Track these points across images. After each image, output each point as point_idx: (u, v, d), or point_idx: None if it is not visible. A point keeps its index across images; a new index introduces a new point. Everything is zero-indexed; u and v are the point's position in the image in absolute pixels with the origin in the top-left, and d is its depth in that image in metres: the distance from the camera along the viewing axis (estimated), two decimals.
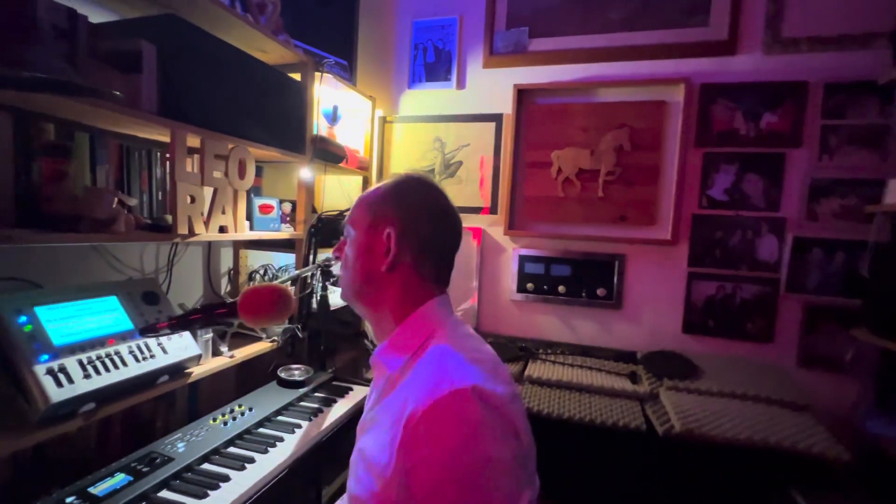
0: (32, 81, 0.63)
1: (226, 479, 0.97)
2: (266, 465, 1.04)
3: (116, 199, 0.96)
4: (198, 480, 0.96)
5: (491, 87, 1.98)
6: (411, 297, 0.68)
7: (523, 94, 1.93)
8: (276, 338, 1.52)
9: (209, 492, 0.92)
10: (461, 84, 2.03)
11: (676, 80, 1.75)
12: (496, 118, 1.97)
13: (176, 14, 1.10)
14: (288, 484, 1.06)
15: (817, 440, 1.23)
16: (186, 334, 1.17)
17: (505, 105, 1.95)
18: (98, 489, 0.88)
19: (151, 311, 1.15)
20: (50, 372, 0.87)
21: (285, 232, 1.57)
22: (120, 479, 0.92)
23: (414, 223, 0.68)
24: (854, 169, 1.62)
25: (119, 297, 1.10)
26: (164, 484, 0.93)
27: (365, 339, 2.16)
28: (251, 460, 1.04)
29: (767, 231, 1.71)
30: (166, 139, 1.22)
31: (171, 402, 1.37)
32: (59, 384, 0.88)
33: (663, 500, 1.30)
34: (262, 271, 1.82)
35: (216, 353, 1.33)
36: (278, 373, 1.48)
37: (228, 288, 1.76)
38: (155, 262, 1.46)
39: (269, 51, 1.47)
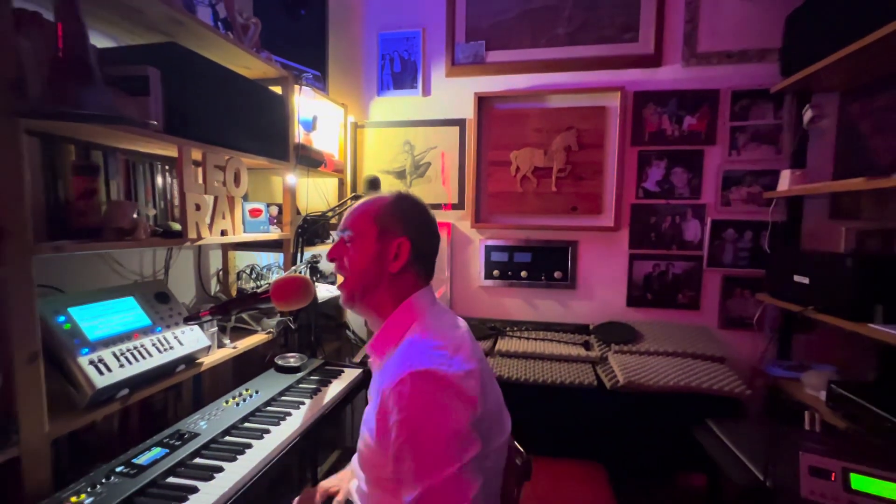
0: (100, 118, 0.77)
1: (249, 446, 1.13)
2: (280, 434, 1.20)
3: (136, 210, 1.09)
4: (225, 448, 1.11)
5: (454, 94, 2.19)
6: (405, 292, 0.85)
7: (483, 101, 2.15)
8: (271, 330, 1.66)
9: (237, 456, 1.08)
10: (427, 92, 2.23)
11: (613, 88, 2.03)
12: (460, 122, 2.18)
13: (176, 42, 1.22)
14: (298, 449, 1.23)
15: (727, 382, 1.54)
16: (196, 329, 1.31)
17: (467, 110, 2.16)
18: (141, 460, 1.02)
19: (164, 308, 1.28)
20: (91, 363, 1.01)
21: (274, 233, 1.71)
22: (157, 451, 1.06)
23: (418, 235, 0.86)
24: (756, 162, 1.96)
25: (136, 297, 1.23)
26: (197, 453, 1.08)
27: (347, 331, 2.33)
28: (267, 431, 1.21)
29: (692, 216, 2.03)
30: (166, 153, 1.36)
31: (178, 391, 1.50)
32: (100, 372, 1.01)
33: (613, 438, 1.58)
34: (248, 270, 1.95)
35: (221, 344, 1.47)
36: (275, 360, 1.63)
37: (218, 288, 1.88)
38: (152, 265, 1.57)
39: (252, 67, 1.60)
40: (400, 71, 2.23)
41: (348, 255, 0.86)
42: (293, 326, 1.72)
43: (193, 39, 1.34)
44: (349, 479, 1.04)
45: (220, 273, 1.88)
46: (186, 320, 1.01)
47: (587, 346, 1.89)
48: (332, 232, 2.20)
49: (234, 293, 1.86)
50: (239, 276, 1.91)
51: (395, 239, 0.84)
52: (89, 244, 0.98)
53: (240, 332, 1.62)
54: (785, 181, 1.82)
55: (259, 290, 0.92)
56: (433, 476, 0.65)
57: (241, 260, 1.96)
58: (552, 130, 2.10)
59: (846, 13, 1.47)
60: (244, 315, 1.68)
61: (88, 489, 0.91)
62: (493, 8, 2.12)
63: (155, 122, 0.95)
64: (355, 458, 0.90)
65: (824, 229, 1.91)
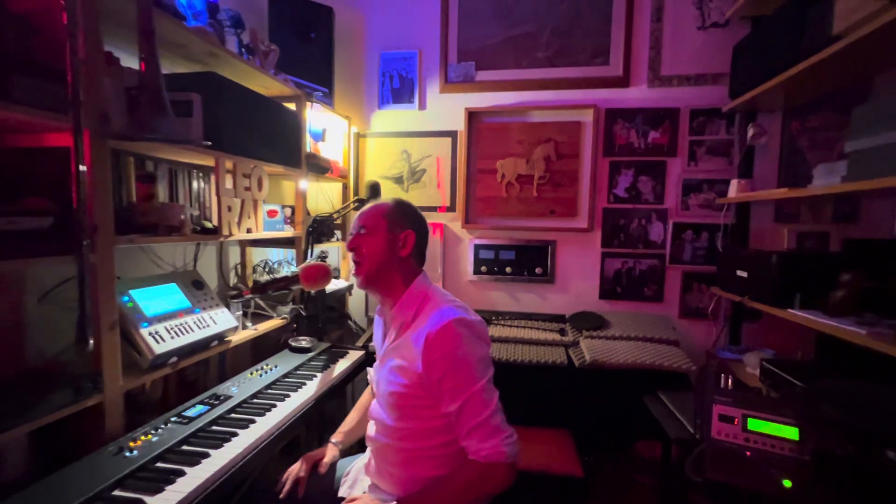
0: (178, 141, 1.02)
1: (274, 406, 1.37)
2: (300, 397, 1.44)
3: (184, 211, 1.33)
4: (256, 406, 1.35)
5: (447, 108, 2.44)
6: (411, 274, 1.13)
7: (473, 115, 2.41)
8: (285, 315, 1.91)
9: (266, 413, 1.33)
10: (423, 106, 2.48)
11: (587, 105, 2.29)
12: (452, 134, 2.44)
13: (214, 71, 1.47)
14: (311, 414, 1.48)
15: (676, 361, 1.80)
16: (227, 311, 1.55)
17: (458, 123, 2.42)
18: (189, 413, 1.26)
19: (200, 294, 1.53)
20: (150, 334, 1.25)
21: (288, 231, 1.96)
22: (200, 408, 1.30)
23: (420, 227, 1.14)
24: (711, 172, 2.23)
25: (177, 283, 1.47)
26: (232, 410, 1.32)
27: (349, 321, 2.57)
28: (288, 395, 1.45)
29: (656, 219, 2.30)
30: (202, 162, 1.60)
31: (207, 366, 1.74)
32: (157, 342, 1.25)
33: (580, 408, 1.84)
34: (262, 265, 2.19)
35: (244, 326, 1.71)
36: (289, 342, 1.87)
37: (236, 279, 2.12)
38: (183, 258, 1.81)
39: (270, 87, 1.85)
40: (399, 87, 2.49)
41: (364, 244, 1.11)
42: (304, 313, 1.97)
43: (224, 67, 1.58)
44: (331, 451, 1.28)
45: (238, 266, 2.11)
46: (232, 297, 1.25)
47: (562, 332, 2.15)
48: (336, 231, 2.45)
49: (250, 284, 2.10)
50: (254, 270, 2.15)
51: (402, 231, 1.11)
52: (153, 238, 1.22)
53: (258, 318, 1.86)
54: (733, 189, 2.09)
55: (289, 275, 1.17)
56: (471, 388, 0.96)
57: (256, 255, 2.20)
58: (533, 142, 2.36)
59: (780, 45, 1.73)
60: (261, 302, 1.92)
61: (153, 431, 1.15)
62: (481, 33, 2.38)
63: (210, 143, 1.20)
64: (379, 402, 1.15)
65: (770, 231, 2.18)
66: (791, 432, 1.09)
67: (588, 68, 2.30)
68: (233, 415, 1.31)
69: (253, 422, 1.26)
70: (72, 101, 0.89)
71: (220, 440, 1.15)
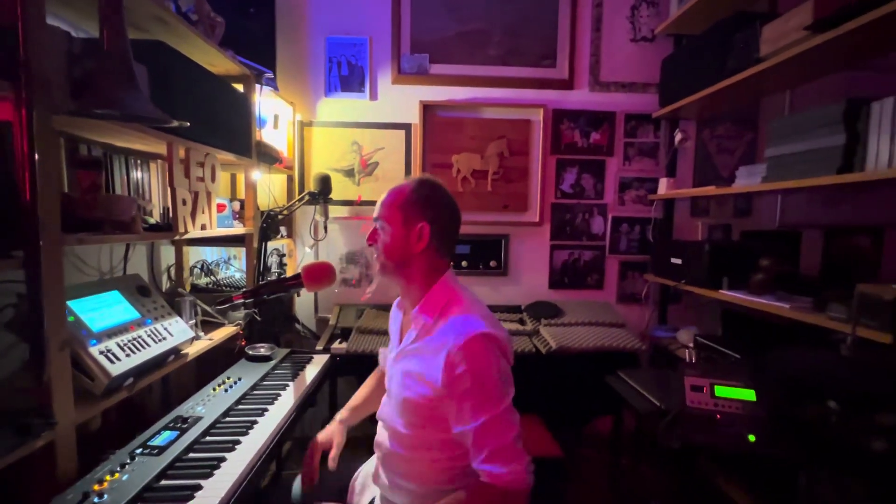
0: (151, 119, 0.84)
1: (255, 422, 1.23)
2: (280, 409, 1.31)
3: (136, 205, 1.12)
4: (234, 425, 1.20)
5: (400, 100, 2.38)
6: (433, 270, 1.02)
7: (427, 108, 2.38)
8: (239, 321, 1.71)
9: (248, 431, 1.18)
10: (374, 96, 2.39)
11: (537, 105, 2.41)
12: (406, 127, 2.39)
13: (162, 41, 1.25)
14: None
15: (629, 342, 2.00)
16: (181, 321, 1.35)
17: (413, 116, 2.38)
18: (156, 441, 1.07)
19: (148, 301, 1.31)
20: (102, 353, 1.04)
21: (239, 228, 1.75)
22: (167, 434, 1.12)
23: (439, 217, 1.01)
24: (642, 171, 2.50)
25: (119, 291, 1.24)
26: (207, 432, 1.15)
27: (297, 324, 2.39)
28: (266, 409, 1.31)
29: (597, 213, 2.51)
30: (143, 148, 1.36)
31: (150, 386, 1.49)
32: (111, 361, 1.05)
33: (548, 393, 1.95)
34: (199, 265, 1.94)
35: (196, 337, 1.49)
36: (246, 351, 1.68)
37: (169, 284, 1.84)
38: (109, 262, 1.52)
39: (216, 65, 1.63)
40: (347, 74, 2.36)
41: (381, 239, 1.03)
42: (258, 318, 1.78)
43: (170, 37, 1.36)
44: (339, 435, 1.21)
45: (171, 269, 1.84)
46: (220, 303, 1.08)
47: (521, 322, 2.25)
48: (281, 227, 2.26)
49: (188, 288, 1.84)
50: (191, 272, 1.90)
51: (416, 224, 0.99)
52: (107, 237, 1.01)
53: (207, 326, 1.64)
54: (663, 187, 2.36)
55: (287, 276, 1.05)
56: (495, 408, 0.88)
57: (191, 256, 1.93)
58: (487, 138, 2.42)
59: (707, 63, 1.98)
60: (208, 308, 1.70)
61: (118, 469, 0.96)
62: (434, 26, 2.36)
63: (188, 123, 1.02)
64: (390, 406, 1.06)
65: (687, 224, 2.51)
66: (749, 394, 1.28)
67: (537, 69, 2.41)
68: (209, 437, 1.15)
69: (238, 442, 1.12)
70: (21, 65, 0.70)
71: (208, 468, 1.00)
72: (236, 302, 1.05)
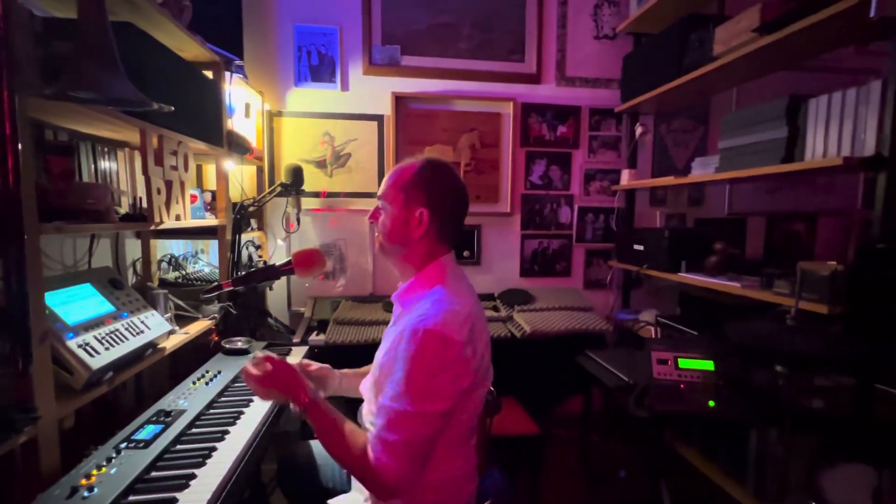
0: (135, 104, 0.81)
1: (241, 412, 1.22)
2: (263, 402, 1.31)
3: (111, 193, 1.08)
4: (220, 416, 1.18)
5: (372, 91, 2.38)
6: (430, 256, 0.99)
7: (399, 100, 2.39)
8: (215, 315, 1.67)
9: (236, 421, 1.17)
10: (345, 87, 2.37)
11: (506, 98, 2.47)
12: (378, 118, 2.39)
13: (133, 23, 1.20)
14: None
15: (596, 324, 2.11)
16: (157, 314, 1.31)
17: (385, 107, 2.38)
18: (141, 435, 1.05)
19: (122, 294, 1.26)
20: (80, 346, 1.00)
21: (211, 219, 1.71)
22: (151, 428, 1.09)
23: (440, 203, 0.97)
24: (606, 163, 2.62)
25: (92, 284, 1.19)
26: (192, 425, 1.14)
27: (269, 318, 2.35)
28: (251, 399, 1.30)
29: (564, 204, 2.62)
30: (109, 135, 1.31)
31: (124, 382, 1.43)
32: (91, 355, 1.01)
33: (524, 375, 2.03)
34: (167, 259, 1.88)
35: (172, 330, 1.45)
36: (223, 344, 1.65)
37: (135, 279, 1.76)
38: (73, 256, 1.45)
39: (185, 50, 1.57)
40: (318, 64, 2.33)
41: (381, 219, 1.01)
42: (234, 312, 1.75)
43: (137, 19, 1.30)
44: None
45: (137, 263, 1.76)
46: (207, 292, 1.07)
47: (496, 309, 2.32)
48: (252, 220, 2.21)
49: (156, 283, 1.77)
50: (159, 266, 1.83)
51: (417, 208, 0.96)
52: (84, 226, 0.97)
53: (182, 320, 1.60)
54: (625, 178, 2.49)
55: (279, 263, 1.05)
56: (410, 405, 0.83)
57: (159, 250, 1.86)
58: (459, 130, 2.46)
59: (665, 60, 2.11)
60: (181, 302, 1.65)
61: (104, 463, 0.93)
62: (405, 18, 2.37)
63: (172, 108, 0.99)
64: (368, 382, 1.06)
65: (647, 213, 2.67)
66: (709, 365, 1.41)
67: (506, 63, 2.47)
68: (195, 429, 1.13)
69: (227, 432, 1.11)
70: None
71: (199, 457, 0.99)
72: (225, 289, 1.04)
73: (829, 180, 2.62)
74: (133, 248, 1.76)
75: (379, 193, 1.03)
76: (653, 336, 1.86)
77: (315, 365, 1.22)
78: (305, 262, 1.07)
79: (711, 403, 1.34)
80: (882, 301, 1.19)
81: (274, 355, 1.00)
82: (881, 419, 1.23)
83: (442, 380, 0.85)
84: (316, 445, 1.35)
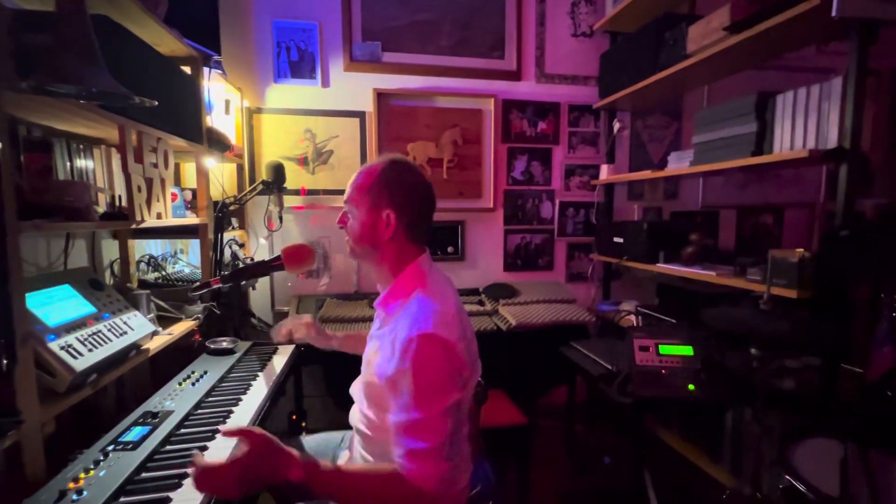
0: (120, 96, 0.80)
1: (230, 411, 1.21)
2: (254, 398, 1.29)
3: (91, 191, 1.06)
4: (208, 416, 1.17)
5: (353, 87, 2.36)
6: (405, 256, 0.99)
7: (381, 97, 2.38)
8: (198, 315, 1.64)
9: (225, 420, 1.16)
10: (326, 83, 2.35)
11: (487, 95, 2.50)
12: (360, 115, 2.38)
13: (108, 16, 1.17)
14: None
15: (580, 315, 2.17)
16: (140, 315, 1.28)
17: (367, 104, 2.37)
18: (128, 437, 1.03)
19: (102, 295, 1.23)
20: (62, 348, 0.98)
21: (192, 218, 1.67)
22: (139, 430, 1.07)
23: (406, 203, 0.96)
24: (585, 158, 2.68)
25: (70, 285, 1.16)
26: (181, 425, 1.12)
27: (252, 318, 2.32)
28: (240, 398, 1.28)
29: (546, 199, 2.66)
30: (84, 132, 1.27)
31: (105, 386, 1.39)
32: (73, 357, 0.99)
33: (510, 367, 2.07)
34: (146, 260, 1.83)
35: (156, 331, 1.42)
36: (207, 345, 1.62)
37: (113, 280, 1.71)
38: (47, 257, 1.40)
39: (162, 44, 1.53)
40: (297, 60, 2.30)
41: (349, 223, 1.01)
42: (217, 312, 1.72)
43: (112, 12, 1.27)
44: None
45: (115, 264, 1.71)
46: (196, 289, 1.05)
47: (481, 303, 2.35)
48: (233, 219, 2.17)
49: (135, 284, 1.73)
50: (137, 267, 1.78)
51: (383, 210, 0.96)
52: (64, 224, 0.95)
53: (164, 321, 1.56)
54: (604, 173, 2.56)
55: (268, 259, 1.04)
56: (426, 411, 0.84)
57: (137, 250, 1.81)
58: (441, 127, 2.47)
59: (641, 58, 2.17)
60: (162, 303, 1.62)
61: (92, 465, 0.91)
62: (385, 14, 2.36)
63: (156, 102, 0.97)
64: (359, 385, 1.09)
65: (625, 206, 2.74)
66: (688, 350, 1.47)
67: (487, 60, 2.49)
68: (184, 430, 1.11)
69: (217, 431, 1.10)
70: None
71: (190, 457, 0.98)
72: (214, 286, 1.03)
73: (795, 175, 2.75)
74: (110, 249, 1.71)
75: (344, 198, 1.02)
76: (634, 325, 1.93)
77: (306, 317, 1.25)
78: (295, 257, 1.07)
79: (691, 387, 1.40)
80: (845, 284, 1.27)
81: (254, 428, 0.86)
82: (845, 396, 1.31)
83: (446, 378, 0.87)
84: (305, 443, 1.35)
